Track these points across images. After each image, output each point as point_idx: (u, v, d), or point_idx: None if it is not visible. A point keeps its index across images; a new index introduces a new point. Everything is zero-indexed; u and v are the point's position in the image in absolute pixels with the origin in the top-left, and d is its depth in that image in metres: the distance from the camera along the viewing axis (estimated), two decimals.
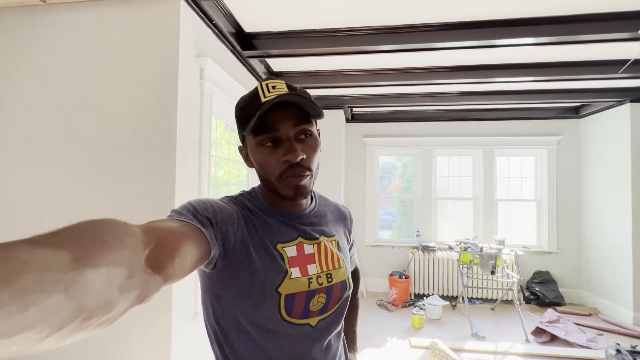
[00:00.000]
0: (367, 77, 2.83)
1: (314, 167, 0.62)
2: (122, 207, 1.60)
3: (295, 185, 0.59)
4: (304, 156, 0.58)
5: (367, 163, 4.38)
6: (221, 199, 0.63)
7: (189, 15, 1.68)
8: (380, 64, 2.67)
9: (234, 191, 0.69)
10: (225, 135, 2.47)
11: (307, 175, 0.60)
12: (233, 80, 2.17)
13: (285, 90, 0.59)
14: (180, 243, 0.43)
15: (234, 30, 2.07)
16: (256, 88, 0.60)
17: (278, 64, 2.76)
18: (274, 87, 0.58)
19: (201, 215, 0.52)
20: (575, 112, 3.98)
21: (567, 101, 3.42)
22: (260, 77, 2.71)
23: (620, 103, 3.39)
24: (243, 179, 2.73)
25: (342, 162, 3.92)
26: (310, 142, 0.61)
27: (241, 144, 0.67)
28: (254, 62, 2.48)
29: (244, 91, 2.35)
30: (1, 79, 1.71)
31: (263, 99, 0.57)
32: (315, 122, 0.63)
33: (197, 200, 0.56)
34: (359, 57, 2.50)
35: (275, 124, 0.57)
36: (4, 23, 1.72)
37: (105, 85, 1.64)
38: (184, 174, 1.65)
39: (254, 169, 0.66)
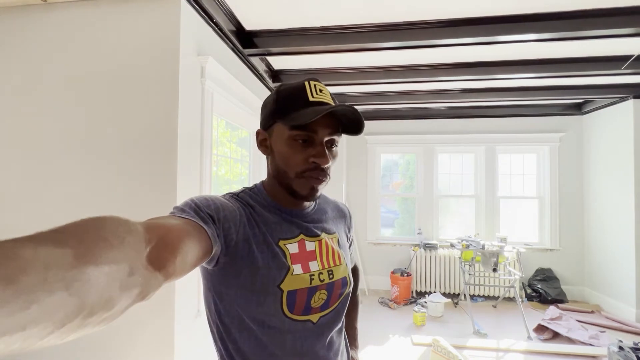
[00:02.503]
0: (368, 75, 2.82)
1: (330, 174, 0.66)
2: (124, 205, 1.61)
3: (312, 185, 0.62)
4: (331, 164, 0.62)
5: (368, 161, 4.37)
6: (223, 196, 0.63)
7: (189, 14, 1.68)
8: (382, 62, 2.66)
9: (235, 190, 0.69)
10: (227, 133, 2.47)
11: (326, 180, 0.64)
12: (234, 79, 2.16)
13: (328, 96, 0.63)
14: (182, 240, 0.43)
15: (234, 29, 2.06)
16: (303, 84, 0.62)
17: (279, 62, 2.76)
18: (320, 91, 0.62)
19: (203, 212, 0.52)
20: (577, 109, 3.96)
21: (570, 98, 3.41)
22: (261, 75, 2.70)
23: (623, 99, 3.37)
24: (244, 177, 2.73)
25: (344, 160, 3.92)
26: (334, 153, 0.64)
27: (261, 128, 0.67)
28: (255, 60, 2.48)
29: (245, 89, 2.35)
30: (1, 78, 1.72)
31: (311, 98, 0.60)
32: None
33: (200, 197, 0.56)
34: (360, 55, 2.49)
35: (315, 126, 0.59)
36: (5, 22, 1.72)
37: (106, 84, 1.64)
38: (186, 172, 1.65)
39: (262, 162, 0.67)
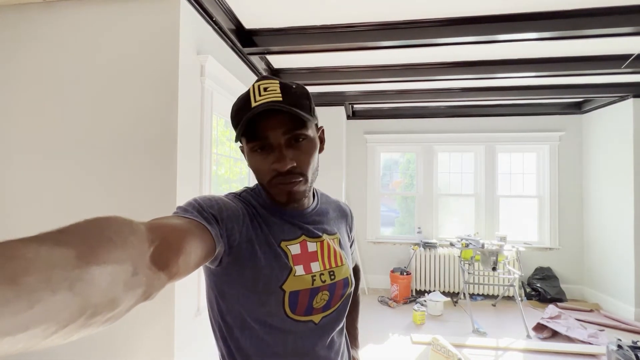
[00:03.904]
0: (368, 74, 2.82)
1: (309, 171, 0.60)
2: (124, 205, 1.61)
3: (288, 190, 0.59)
4: (294, 164, 0.57)
5: (368, 160, 4.37)
6: (226, 196, 0.63)
7: (189, 12, 1.67)
8: (381, 60, 2.66)
9: (235, 189, 0.69)
10: (226, 132, 2.46)
11: (300, 181, 0.59)
12: (234, 78, 2.16)
13: (277, 92, 0.56)
14: (185, 240, 0.43)
15: (234, 27, 2.06)
16: (248, 91, 0.58)
17: (278, 61, 2.75)
18: (265, 89, 0.56)
19: (206, 212, 0.52)
20: (577, 108, 3.96)
21: (570, 97, 3.41)
22: (260, 74, 2.70)
23: (623, 98, 3.37)
24: (244, 176, 2.73)
25: (343, 159, 3.92)
26: (304, 147, 0.59)
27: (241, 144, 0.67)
28: (255, 59, 2.48)
29: (245, 88, 2.34)
30: (2, 77, 1.71)
31: (253, 104, 0.55)
32: (315, 122, 0.62)
33: (203, 197, 0.56)
34: (359, 54, 2.49)
35: (265, 131, 0.56)
36: (4, 21, 1.71)
37: (106, 83, 1.64)
38: (185, 171, 1.65)
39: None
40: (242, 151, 0.67)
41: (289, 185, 0.58)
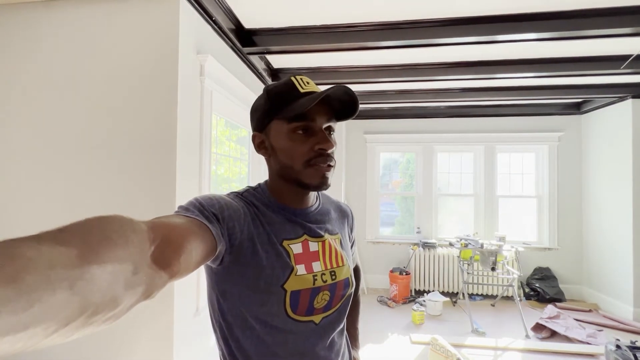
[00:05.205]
0: (368, 74, 2.81)
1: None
2: (123, 204, 1.60)
3: (322, 174, 0.62)
4: (335, 148, 0.63)
5: (367, 160, 4.37)
6: (227, 195, 0.63)
7: (188, 12, 1.67)
8: (381, 60, 2.66)
9: (235, 188, 0.69)
10: (226, 132, 2.46)
11: (333, 166, 0.64)
12: (233, 77, 2.16)
13: (316, 87, 0.64)
14: (186, 239, 0.43)
15: (233, 27, 2.06)
16: (290, 80, 0.63)
17: (278, 61, 2.75)
18: (307, 83, 0.63)
19: (207, 211, 0.52)
20: (576, 108, 3.97)
21: (569, 97, 3.41)
22: (260, 73, 2.70)
23: (622, 99, 3.38)
24: (244, 175, 2.72)
25: (343, 158, 3.92)
26: (333, 139, 0.65)
27: (256, 132, 0.67)
28: (254, 59, 2.47)
29: (245, 88, 2.34)
30: (2, 76, 1.71)
31: (302, 90, 0.61)
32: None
33: (204, 196, 0.56)
34: (359, 53, 2.49)
35: (313, 115, 0.60)
36: (4, 21, 1.71)
37: (106, 82, 1.63)
38: (185, 171, 1.65)
39: (262, 161, 0.67)
40: (255, 139, 0.66)
41: (327, 168, 0.62)
